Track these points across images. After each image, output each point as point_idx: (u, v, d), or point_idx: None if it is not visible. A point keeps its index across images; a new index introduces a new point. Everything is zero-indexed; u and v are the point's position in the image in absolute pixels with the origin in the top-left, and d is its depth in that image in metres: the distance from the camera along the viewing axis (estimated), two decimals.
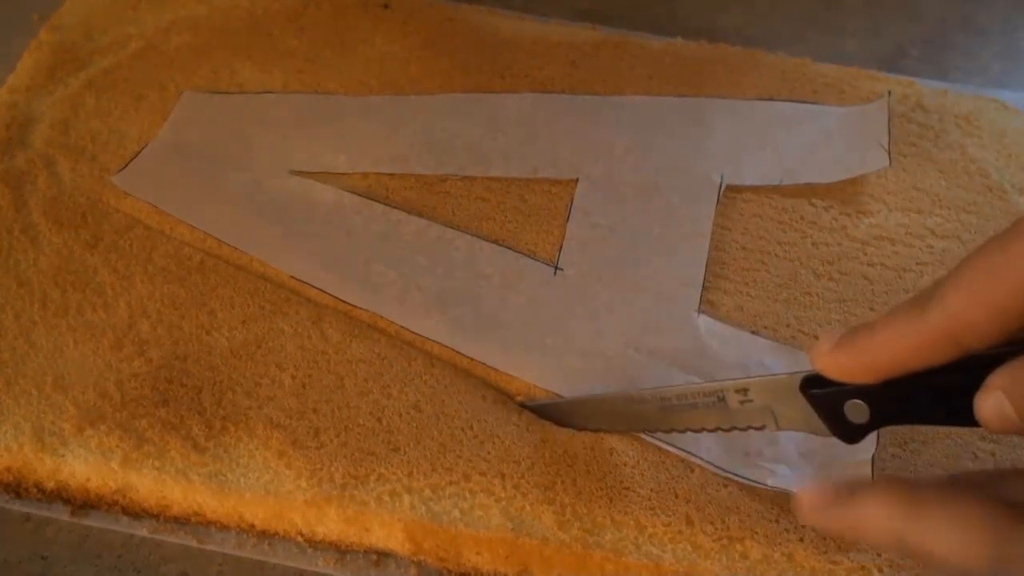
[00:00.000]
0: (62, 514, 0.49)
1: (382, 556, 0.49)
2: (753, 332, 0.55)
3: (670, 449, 0.50)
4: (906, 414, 0.41)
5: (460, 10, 0.73)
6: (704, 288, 0.56)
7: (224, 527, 0.49)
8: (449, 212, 0.60)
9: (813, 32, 0.77)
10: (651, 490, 0.48)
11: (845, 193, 0.62)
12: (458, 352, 0.54)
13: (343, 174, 0.61)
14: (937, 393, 0.39)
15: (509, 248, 0.58)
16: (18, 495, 0.50)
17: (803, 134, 0.64)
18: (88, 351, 0.52)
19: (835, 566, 0.47)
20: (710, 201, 0.60)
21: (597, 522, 0.47)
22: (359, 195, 0.60)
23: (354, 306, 0.55)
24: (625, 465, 0.49)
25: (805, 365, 0.52)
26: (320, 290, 0.56)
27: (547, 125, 0.64)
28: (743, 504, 0.48)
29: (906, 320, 0.38)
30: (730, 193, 0.61)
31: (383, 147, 0.63)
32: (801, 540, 0.47)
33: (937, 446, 0.51)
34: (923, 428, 0.52)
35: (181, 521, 0.49)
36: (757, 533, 0.47)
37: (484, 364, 0.53)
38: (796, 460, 0.49)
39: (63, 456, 0.49)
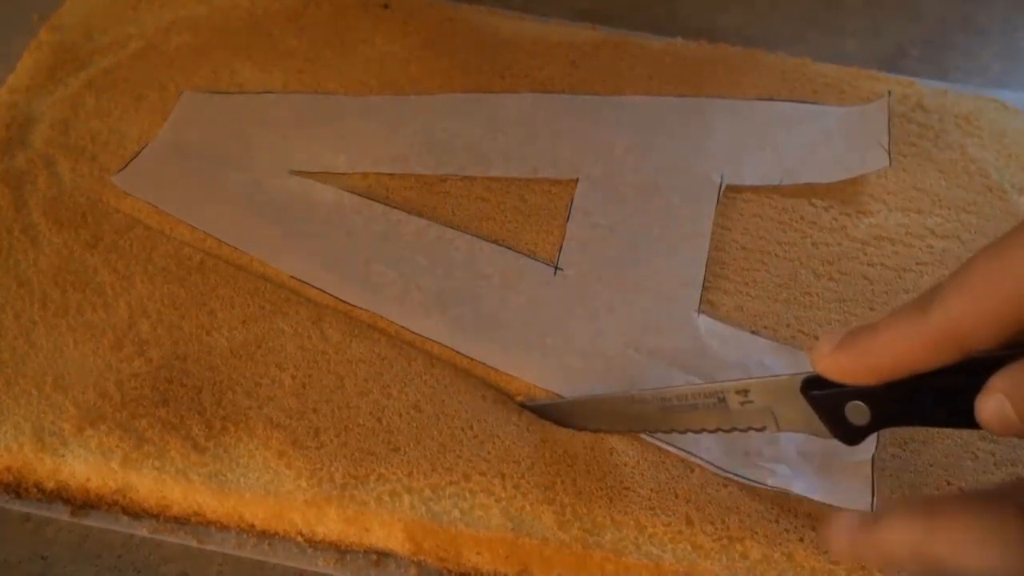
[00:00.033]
0: (62, 514, 0.49)
1: (382, 556, 0.49)
2: (753, 332, 0.55)
3: (670, 449, 0.50)
4: (907, 416, 0.41)
5: (460, 10, 0.73)
6: (704, 288, 0.56)
7: (224, 527, 0.49)
8: (449, 212, 0.60)
9: (813, 32, 0.77)
10: (651, 490, 0.48)
11: (845, 193, 0.62)
12: (458, 352, 0.54)
13: (343, 174, 0.61)
14: (938, 395, 0.39)
15: (509, 248, 0.58)
16: (18, 495, 0.50)
17: (803, 134, 0.64)
18: (88, 351, 0.52)
19: (835, 566, 0.47)
20: (710, 201, 0.60)
21: (597, 522, 0.47)
22: (359, 195, 0.60)
23: (354, 306, 0.55)
24: (625, 465, 0.49)
25: (805, 365, 0.52)
26: (320, 290, 0.56)
27: (547, 125, 0.64)
28: (743, 504, 0.48)
29: (907, 322, 0.38)
30: (730, 193, 0.61)
31: (383, 147, 0.63)
32: (801, 540, 0.47)
33: (937, 446, 0.51)
34: (923, 428, 0.52)
35: (181, 521, 0.49)
36: (757, 533, 0.47)
37: (484, 364, 0.53)
38: (796, 460, 0.49)
39: (63, 456, 0.49)
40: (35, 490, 0.50)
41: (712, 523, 0.48)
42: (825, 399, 0.43)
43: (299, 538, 0.49)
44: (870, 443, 0.44)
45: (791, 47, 0.71)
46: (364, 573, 0.48)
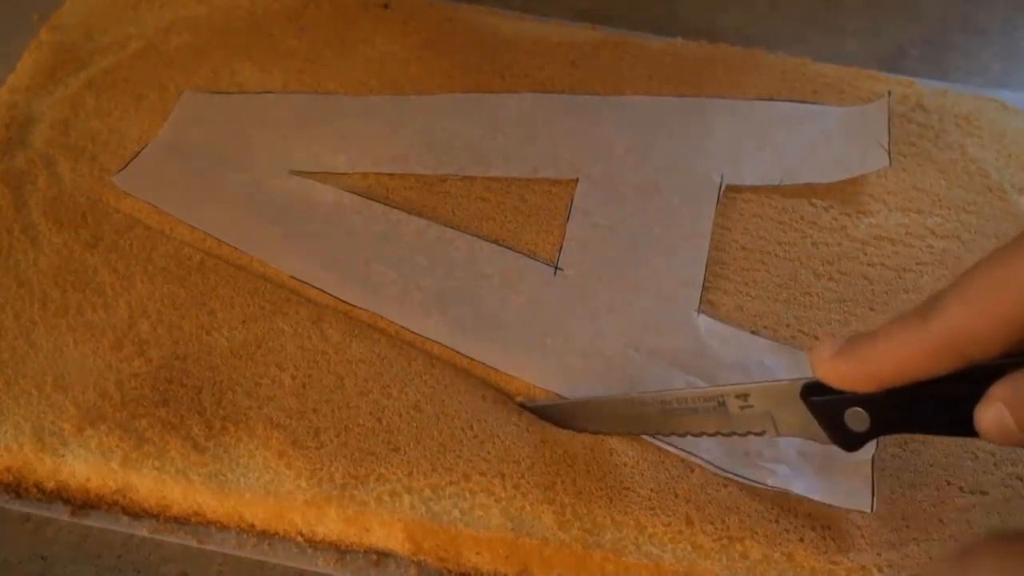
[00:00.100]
0: (62, 514, 0.49)
1: (382, 556, 0.49)
2: (753, 332, 0.55)
3: (670, 449, 0.50)
4: (907, 423, 0.42)
5: (460, 10, 0.73)
6: (704, 288, 0.56)
7: (224, 527, 0.49)
8: (449, 212, 0.60)
9: (813, 32, 0.77)
10: (651, 490, 0.48)
11: (845, 193, 0.62)
12: (458, 352, 0.54)
13: (343, 174, 0.61)
14: (938, 402, 0.39)
15: (509, 248, 0.58)
16: (18, 495, 0.50)
17: (803, 134, 0.64)
18: (88, 351, 0.52)
19: (835, 566, 0.47)
20: (710, 201, 0.60)
21: (597, 522, 0.47)
22: (359, 195, 0.60)
23: (354, 306, 0.55)
24: (625, 465, 0.49)
25: (805, 365, 0.52)
26: (320, 290, 0.56)
27: (547, 125, 0.64)
28: (743, 504, 0.48)
29: (908, 329, 0.38)
30: (730, 193, 0.61)
31: (383, 147, 0.63)
32: (801, 540, 0.47)
33: (937, 446, 0.51)
34: None
35: (181, 521, 0.49)
36: (757, 533, 0.47)
37: (484, 364, 0.53)
38: (796, 460, 0.49)
39: (63, 456, 0.49)
40: (35, 490, 0.50)
41: (712, 523, 0.48)
42: (825, 405, 0.43)
43: (299, 538, 0.49)
44: (870, 444, 0.44)
45: (791, 47, 0.71)
46: (364, 573, 0.48)
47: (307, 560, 0.49)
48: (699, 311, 0.55)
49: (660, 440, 0.50)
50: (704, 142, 0.63)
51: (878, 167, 0.61)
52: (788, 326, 0.56)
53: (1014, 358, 0.36)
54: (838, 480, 0.48)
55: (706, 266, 0.57)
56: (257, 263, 0.57)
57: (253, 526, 0.49)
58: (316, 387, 0.51)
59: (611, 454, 0.49)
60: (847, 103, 0.66)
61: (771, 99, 0.67)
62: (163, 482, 0.48)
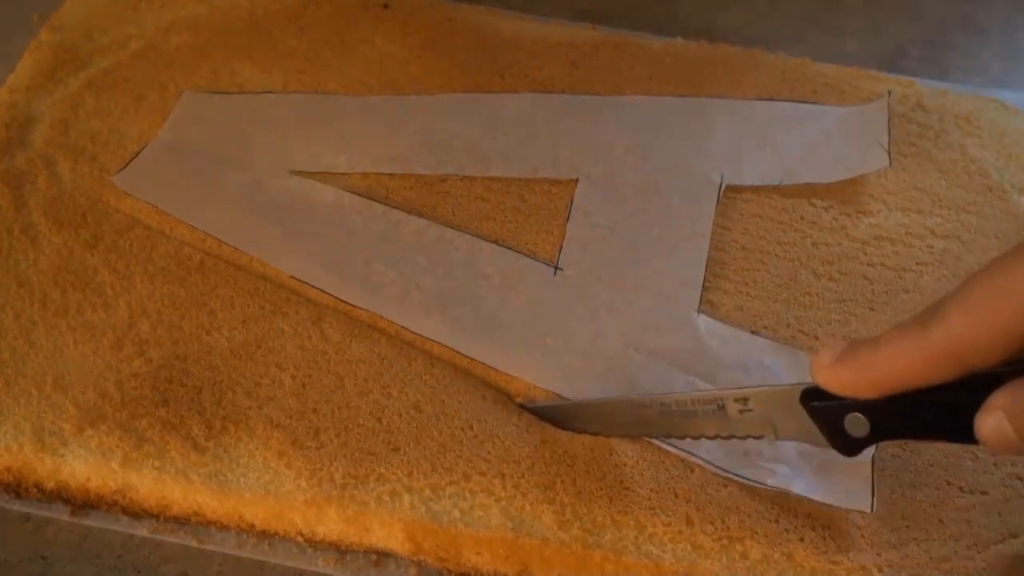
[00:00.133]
0: (62, 514, 0.49)
1: (382, 556, 0.49)
2: (753, 332, 0.55)
3: (670, 449, 0.50)
4: (906, 429, 0.42)
5: (460, 10, 0.73)
6: (704, 288, 0.56)
7: (224, 527, 0.49)
8: (449, 212, 0.60)
9: (813, 32, 0.77)
10: (651, 490, 0.48)
11: (845, 193, 0.62)
12: (458, 352, 0.54)
13: (343, 174, 0.61)
14: (938, 410, 0.40)
15: (509, 248, 0.58)
16: (18, 495, 0.50)
17: (803, 134, 0.64)
18: (88, 351, 0.52)
19: (835, 566, 0.47)
20: (710, 201, 0.60)
21: (597, 522, 0.47)
22: (359, 195, 0.60)
23: (354, 306, 0.55)
24: (625, 465, 0.49)
25: (805, 365, 0.52)
26: (320, 290, 0.56)
27: (547, 125, 0.64)
28: (743, 504, 0.48)
29: (908, 337, 0.38)
30: (730, 193, 0.61)
31: (383, 147, 0.63)
32: (801, 540, 0.47)
33: (937, 447, 0.51)
34: None
35: (181, 521, 0.49)
36: (757, 533, 0.47)
37: (484, 364, 0.53)
38: (796, 460, 0.49)
39: (63, 456, 0.49)
40: (35, 490, 0.50)
41: (712, 523, 0.48)
42: (824, 411, 0.43)
43: (299, 538, 0.49)
44: (869, 447, 0.44)
45: (791, 47, 0.71)
46: (364, 573, 0.48)
47: (307, 560, 0.48)
48: (699, 311, 0.55)
49: (660, 440, 0.50)
50: (704, 142, 0.63)
51: (878, 167, 0.61)
52: (788, 326, 0.56)
53: (1014, 366, 0.36)
54: (838, 480, 0.48)
55: (706, 266, 0.57)
56: (257, 263, 0.57)
57: (253, 526, 0.49)
58: (316, 387, 0.51)
59: (611, 454, 0.49)
60: (847, 103, 0.66)
61: (771, 99, 0.67)
62: (163, 482, 0.48)
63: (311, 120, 0.64)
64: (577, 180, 0.61)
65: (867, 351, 0.39)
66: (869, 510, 0.47)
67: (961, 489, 0.50)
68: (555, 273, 0.57)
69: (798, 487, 0.48)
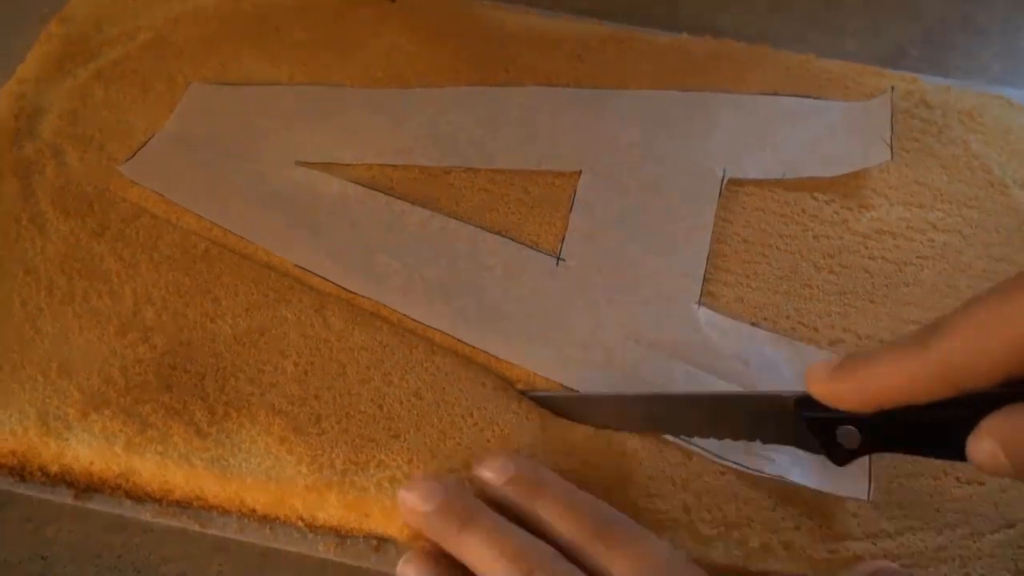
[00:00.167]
0: (66, 497, 0.50)
1: (382, 542, 0.49)
2: (753, 324, 0.55)
3: (668, 437, 0.50)
4: (898, 444, 0.42)
5: (466, 4, 0.73)
6: (705, 280, 0.57)
7: (226, 512, 0.50)
8: (453, 203, 0.60)
9: (813, 32, 0.77)
10: (649, 478, 0.49)
11: (847, 187, 0.62)
12: (460, 341, 0.54)
13: (348, 165, 0.62)
14: (931, 427, 0.40)
15: (512, 239, 0.58)
16: (22, 478, 0.50)
17: (806, 129, 0.64)
18: (93, 337, 0.53)
19: (832, 555, 0.47)
20: (712, 194, 0.60)
21: None
22: (364, 186, 0.60)
23: (357, 295, 0.55)
24: (623, 453, 0.49)
25: (805, 357, 0.53)
26: (323, 279, 0.56)
27: (551, 118, 0.65)
28: (741, 492, 0.49)
29: (907, 355, 0.38)
30: (732, 186, 0.61)
31: (388, 139, 0.63)
32: (798, 528, 0.48)
33: None
34: None
35: (183, 505, 0.50)
36: (754, 521, 0.48)
37: (485, 352, 0.53)
38: (793, 449, 0.49)
39: (67, 440, 0.49)
40: (39, 473, 0.50)
41: (709, 511, 0.48)
42: (817, 421, 0.43)
43: (300, 523, 0.49)
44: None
45: (791, 47, 0.71)
46: (364, 559, 0.49)
47: (308, 545, 0.49)
48: (700, 303, 0.56)
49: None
50: (707, 136, 0.64)
51: (880, 161, 0.61)
52: (788, 318, 0.56)
53: (1009, 388, 0.36)
54: (835, 468, 0.48)
55: (707, 258, 0.58)
56: (261, 252, 0.57)
57: (254, 511, 0.49)
58: (318, 374, 0.52)
59: (610, 442, 0.50)
60: (851, 99, 0.67)
61: (775, 94, 0.67)
62: (166, 467, 0.49)
63: (317, 112, 0.65)
64: (580, 172, 0.61)
65: (864, 366, 0.39)
66: (866, 499, 0.47)
67: (958, 479, 0.50)
68: (557, 264, 0.57)
69: (796, 475, 0.48)
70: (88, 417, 0.49)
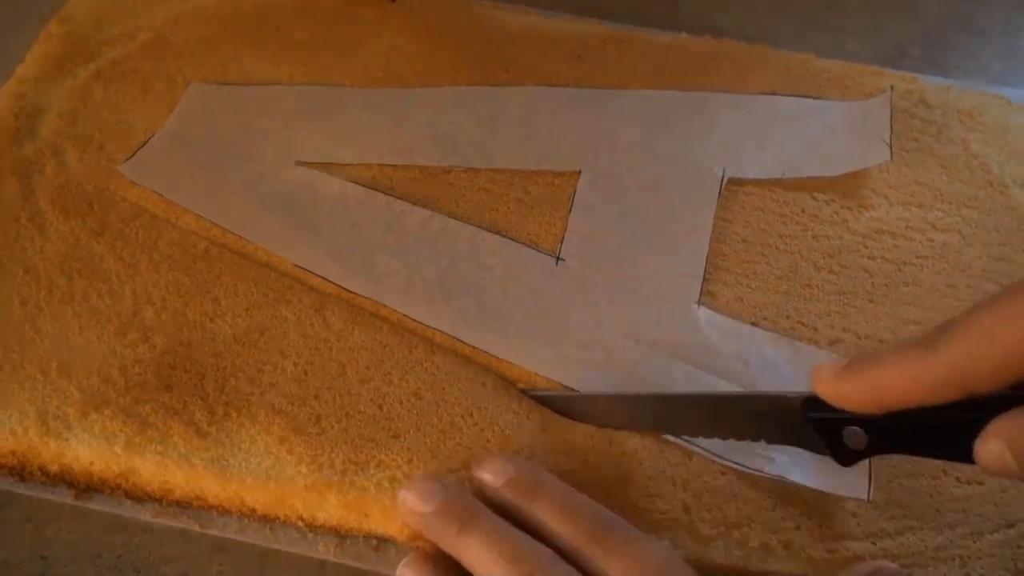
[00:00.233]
0: (66, 497, 0.50)
1: (382, 542, 0.49)
2: (753, 324, 0.55)
3: (668, 437, 0.50)
4: (904, 446, 0.42)
5: (466, 4, 0.73)
6: (705, 280, 0.57)
7: (226, 512, 0.50)
8: (453, 203, 0.60)
9: (813, 32, 0.77)
10: (649, 477, 0.49)
11: (847, 187, 0.62)
12: (460, 340, 0.54)
13: (348, 165, 0.62)
14: (937, 429, 0.40)
15: (512, 239, 0.58)
16: (22, 478, 0.50)
17: (806, 128, 0.64)
18: (93, 337, 0.53)
19: (832, 554, 0.47)
20: (712, 194, 0.60)
21: None
22: (364, 186, 0.60)
23: (357, 295, 0.55)
24: (623, 453, 0.49)
25: (805, 357, 0.53)
26: (323, 279, 0.56)
27: (551, 118, 0.65)
28: (740, 492, 0.49)
29: (914, 358, 0.38)
30: (732, 186, 0.61)
31: (388, 139, 0.63)
32: (798, 528, 0.48)
33: None
34: None
35: (183, 505, 0.50)
36: (754, 521, 0.48)
37: (485, 352, 0.53)
38: (793, 448, 0.49)
39: (67, 440, 0.49)
40: (39, 473, 0.50)
41: (709, 511, 0.48)
42: (824, 422, 0.43)
43: (300, 523, 0.49)
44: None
45: (791, 47, 0.71)
46: (364, 559, 0.49)
47: (308, 545, 0.49)
48: (699, 303, 0.56)
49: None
50: (707, 136, 0.64)
51: (880, 161, 0.61)
52: (788, 318, 0.56)
53: (1017, 391, 0.36)
54: (835, 469, 0.48)
55: (707, 258, 0.58)
56: (261, 252, 0.57)
57: (254, 511, 0.49)
58: (318, 374, 0.52)
59: (610, 442, 0.50)
60: (850, 99, 0.67)
61: (774, 94, 0.67)
62: (166, 466, 0.49)
63: (317, 112, 0.65)
64: (580, 172, 0.61)
65: (871, 368, 0.39)
66: (866, 499, 0.47)
67: (958, 479, 0.50)
68: (557, 264, 0.57)
69: (796, 475, 0.48)
70: (88, 417, 0.49)
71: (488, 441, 0.49)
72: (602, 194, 0.60)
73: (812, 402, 0.43)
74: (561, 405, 0.51)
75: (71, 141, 0.62)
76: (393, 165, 0.62)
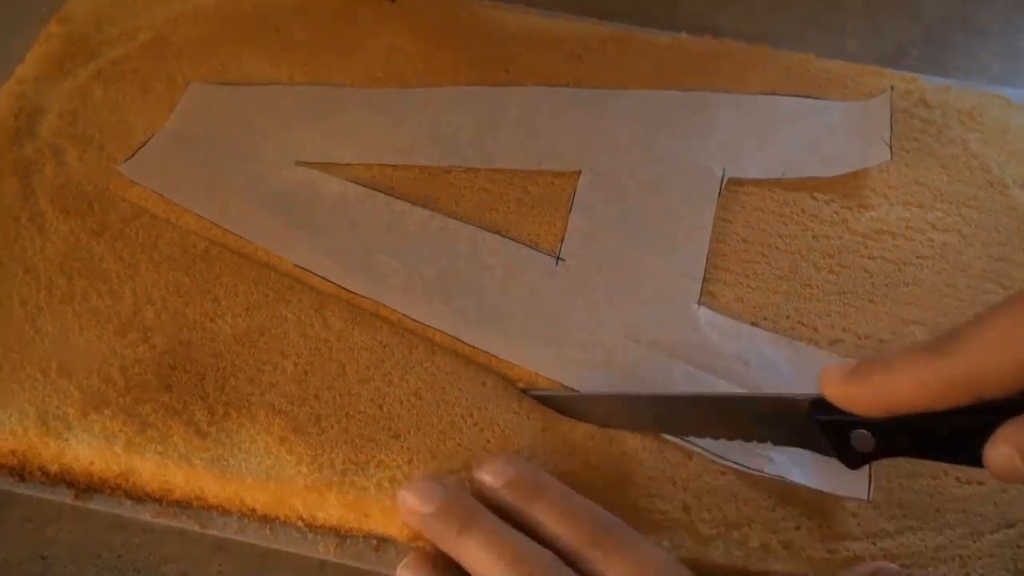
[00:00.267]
0: (66, 497, 0.50)
1: (382, 542, 0.49)
2: (753, 324, 0.55)
3: (668, 437, 0.50)
4: (912, 449, 0.42)
5: (466, 4, 0.73)
6: (705, 280, 0.57)
7: (226, 512, 0.50)
8: (453, 203, 0.60)
9: (813, 32, 0.77)
10: (649, 477, 0.49)
11: (847, 187, 0.62)
12: (460, 340, 0.54)
13: (348, 165, 0.62)
14: (946, 433, 0.40)
15: (512, 239, 0.58)
16: (22, 478, 0.50)
17: (806, 128, 0.64)
18: (93, 337, 0.53)
19: (832, 554, 0.47)
20: (712, 194, 0.60)
21: None
22: (364, 186, 0.60)
23: (357, 295, 0.55)
24: (624, 453, 0.49)
25: (805, 357, 0.53)
26: (323, 279, 0.56)
27: (551, 118, 0.65)
28: (741, 492, 0.49)
29: (924, 363, 0.38)
30: (732, 186, 0.61)
31: (388, 139, 0.63)
32: (798, 528, 0.48)
33: None
34: None
35: (183, 505, 0.50)
36: (754, 521, 0.48)
37: (486, 352, 0.53)
38: (794, 449, 0.49)
39: (67, 440, 0.49)
40: (39, 473, 0.50)
41: (709, 511, 0.48)
42: (831, 425, 0.43)
43: (300, 523, 0.49)
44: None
45: (791, 47, 0.71)
46: (364, 559, 0.49)
47: (307, 545, 0.49)
48: (699, 303, 0.56)
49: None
50: (707, 136, 0.64)
51: (879, 161, 0.61)
52: (788, 318, 0.56)
53: None
54: (835, 469, 0.48)
55: (707, 258, 0.58)
56: (261, 252, 0.57)
57: (254, 511, 0.49)
58: (318, 374, 0.52)
59: (610, 442, 0.50)
60: (850, 99, 0.67)
61: (774, 94, 0.67)
62: (166, 466, 0.49)
63: (317, 112, 0.65)
64: (580, 172, 0.61)
65: (880, 372, 0.39)
66: (866, 499, 0.47)
67: (958, 479, 0.50)
68: (557, 264, 0.57)
69: (796, 475, 0.48)
70: (88, 417, 0.49)
71: (488, 441, 0.49)
72: (602, 194, 0.60)
73: (819, 404, 0.43)
74: (561, 405, 0.51)
75: (71, 141, 0.62)
76: (393, 165, 0.62)
